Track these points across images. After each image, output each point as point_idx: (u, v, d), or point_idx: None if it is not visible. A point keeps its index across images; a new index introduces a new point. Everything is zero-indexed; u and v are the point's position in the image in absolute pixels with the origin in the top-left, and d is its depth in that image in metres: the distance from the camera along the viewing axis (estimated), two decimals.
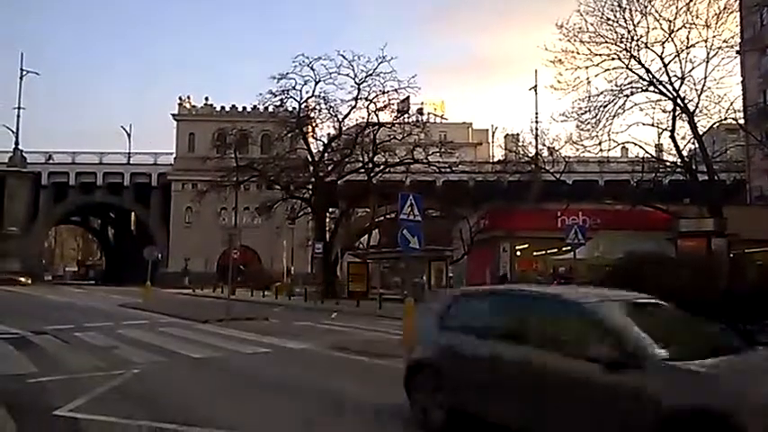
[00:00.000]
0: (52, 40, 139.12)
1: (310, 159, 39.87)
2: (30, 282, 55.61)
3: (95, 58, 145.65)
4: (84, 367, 10.26)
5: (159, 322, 19.01)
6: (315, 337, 15.33)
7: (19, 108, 64.77)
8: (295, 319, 21.53)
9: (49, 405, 7.40)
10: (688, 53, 24.80)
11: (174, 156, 65.97)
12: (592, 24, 25.59)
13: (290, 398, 8.37)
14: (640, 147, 27.10)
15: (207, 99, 67.32)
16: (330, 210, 44.87)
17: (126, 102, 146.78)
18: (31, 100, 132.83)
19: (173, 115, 66.67)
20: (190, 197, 54.20)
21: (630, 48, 25.20)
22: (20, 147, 65.16)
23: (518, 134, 37.69)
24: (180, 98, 67.26)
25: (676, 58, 24.86)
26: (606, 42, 25.43)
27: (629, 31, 25.17)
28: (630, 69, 25.51)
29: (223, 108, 65.91)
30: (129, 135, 70.54)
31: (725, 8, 24.81)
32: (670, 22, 24.69)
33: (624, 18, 25.21)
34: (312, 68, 36.85)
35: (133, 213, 72.58)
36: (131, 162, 67.63)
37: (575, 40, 25.71)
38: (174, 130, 66.57)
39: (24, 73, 65.42)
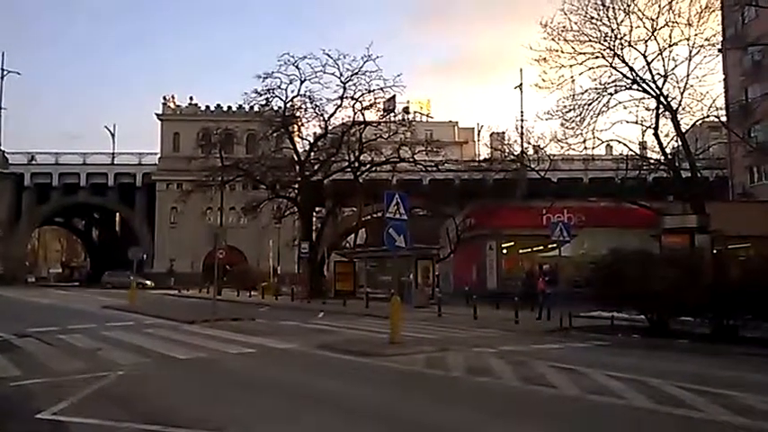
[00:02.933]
0: (34, 40, 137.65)
1: (296, 159, 39.72)
2: (153, 285, 52.08)
3: (78, 59, 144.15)
4: (68, 370, 10.15)
5: (144, 323, 18.87)
6: (301, 337, 15.30)
7: None
8: (281, 319, 21.47)
9: (33, 408, 7.32)
10: (671, 51, 25.05)
11: (159, 156, 65.40)
12: (576, 23, 25.77)
13: (277, 398, 8.35)
14: (624, 144, 27.35)
15: (191, 98, 66.86)
16: (316, 209, 44.74)
17: (110, 102, 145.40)
18: (12, 100, 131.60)
19: (157, 115, 66.10)
20: (175, 197, 53.77)
21: (614, 46, 25.39)
22: (1, 147, 64.39)
23: (503, 132, 37.88)
24: (164, 97, 66.66)
25: (659, 57, 25.10)
26: (590, 41, 25.62)
27: (612, 30, 25.36)
28: (614, 68, 25.70)
29: (208, 107, 65.44)
30: (113, 135, 69.87)
31: (706, 6, 25.08)
32: (653, 20, 24.92)
33: (608, 16, 25.40)
34: (297, 67, 36.71)
35: (118, 214, 71.94)
36: (115, 162, 66.84)
37: (559, 39, 25.88)
38: (158, 129, 66.08)
39: (5, 73, 64.50)
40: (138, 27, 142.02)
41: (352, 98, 37.07)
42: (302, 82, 37.11)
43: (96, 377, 9.30)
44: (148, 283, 51.17)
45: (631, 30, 25.29)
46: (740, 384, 8.84)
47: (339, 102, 37.45)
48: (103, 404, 7.70)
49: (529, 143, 31.01)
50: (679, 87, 25.02)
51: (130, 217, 67.35)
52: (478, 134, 62.07)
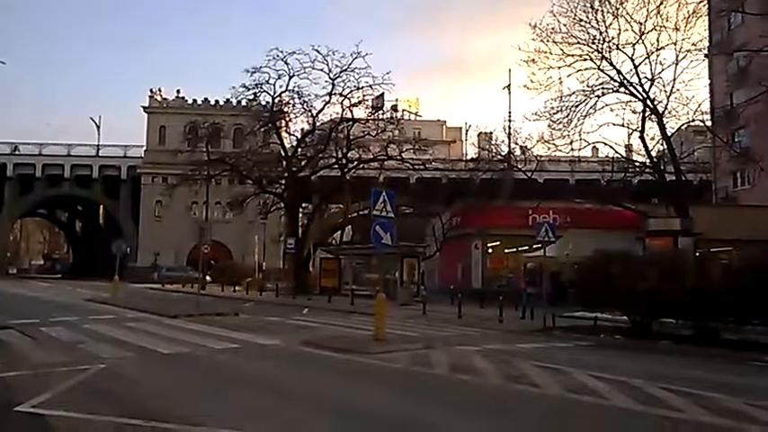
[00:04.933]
0: (18, 30, 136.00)
1: (283, 154, 39.60)
2: (211, 279, 44.10)
3: (64, 49, 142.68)
4: (48, 362, 10.05)
5: (127, 317, 18.74)
6: (285, 333, 15.24)
7: None
8: (266, 315, 21.40)
9: (11, 401, 7.23)
10: (658, 55, 25.30)
11: (145, 149, 64.90)
12: (564, 25, 25.94)
13: (259, 393, 8.32)
14: (610, 147, 27.58)
15: (179, 92, 66.31)
16: (303, 205, 44.64)
17: (95, 94, 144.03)
18: None
19: (143, 108, 65.60)
20: (160, 191, 53.43)
21: (602, 49, 25.57)
22: None
23: (491, 132, 37.94)
24: (151, 90, 66.09)
25: (646, 60, 25.32)
26: (578, 43, 25.78)
27: (600, 33, 25.54)
28: (602, 70, 25.89)
29: (195, 101, 64.98)
30: (98, 127, 69.19)
31: (694, 12, 25.34)
32: (641, 24, 25.13)
33: (596, 19, 25.58)
34: (286, 63, 36.58)
35: (102, 206, 71.24)
36: (100, 154, 66.29)
37: (548, 41, 26.04)
38: (144, 122, 65.58)
39: None
40: (125, 19, 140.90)
41: (341, 95, 37.05)
42: (291, 77, 37.05)
43: (77, 370, 9.21)
44: (208, 278, 45.36)
45: (619, 33, 25.51)
46: (721, 386, 8.93)
47: (327, 98, 37.41)
48: (84, 397, 7.64)
49: (516, 143, 31.15)
50: (665, 91, 25.29)
51: (115, 210, 66.75)
52: (466, 133, 62.41)
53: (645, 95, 25.40)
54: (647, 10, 25.10)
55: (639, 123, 25.99)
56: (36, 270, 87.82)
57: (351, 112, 37.68)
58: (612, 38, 25.47)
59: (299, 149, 39.64)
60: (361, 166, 38.36)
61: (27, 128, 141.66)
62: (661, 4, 25.03)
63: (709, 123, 28.76)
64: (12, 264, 79.46)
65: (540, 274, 22.64)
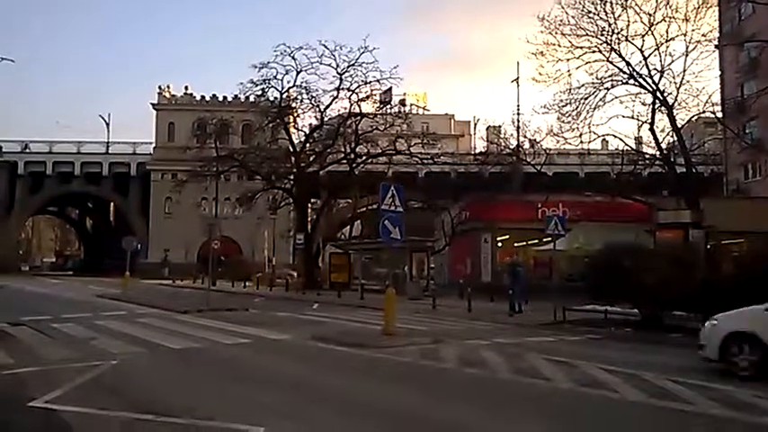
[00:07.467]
0: (27, 28, 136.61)
1: (292, 150, 39.69)
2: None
3: (73, 46, 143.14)
4: (61, 359, 10.14)
5: (138, 313, 18.86)
6: (296, 328, 15.30)
7: None
8: (276, 310, 21.48)
9: (25, 396, 7.30)
10: (668, 46, 25.00)
11: (154, 145, 65.25)
12: (573, 17, 25.66)
13: (270, 388, 8.35)
14: (620, 139, 27.31)
15: (187, 88, 66.60)
16: (312, 200, 44.72)
17: (105, 91, 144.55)
18: (5, 88, 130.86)
19: (152, 104, 65.92)
20: (169, 187, 53.54)
21: (611, 41, 25.33)
22: None
23: (500, 126, 37.75)
24: (160, 87, 66.44)
25: (656, 52, 25.04)
26: (587, 35, 25.53)
27: (609, 24, 25.29)
28: (611, 62, 25.65)
29: (203, 97, 65.25)
30: (107, 124, 69.58)
31: (704, 2, 25.02)
32: (650, 15, 24.85)
33: (605, 11, 25.31)
34: (294, 58, 36.66)
35: (112, 203, 71.70)
36: (110, 151, 66.75)
37: (556, 33, 25.76)
38: (153, 119, 65.90)
39: None
40: (133, 16, 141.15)
41: (349, 89, 37.10)
42: (298, 72, 37.13)
43: (90, 366, 9.28)
44: (294, 273, 40.68)
45: (628, 24, 25.23)
46: (732, 379, 8.89)
47: (335, 93, 37.48)
48: (97, 393, 7.70)
49: (525, 137, 30.95)
50: (675, 83, 25.00)
51: (125, 206, 67.18)
52: (475, 127, 62.25)
53: (654, 87, 25.18)
54: (657, 1, 24.85)
55: (649, 115, 25.75)
56: (48, 267, 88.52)
57: (359, 106, 37.77)
58: (621, 29, 25.23)
59: (308, 145, 39.70)
60: (370, 160, 38.40)
61: (37, 126, 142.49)
62: None
63: (719, 115, 28.48)
64: (24, 261, 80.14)
65: (519, 270, 22.50)
